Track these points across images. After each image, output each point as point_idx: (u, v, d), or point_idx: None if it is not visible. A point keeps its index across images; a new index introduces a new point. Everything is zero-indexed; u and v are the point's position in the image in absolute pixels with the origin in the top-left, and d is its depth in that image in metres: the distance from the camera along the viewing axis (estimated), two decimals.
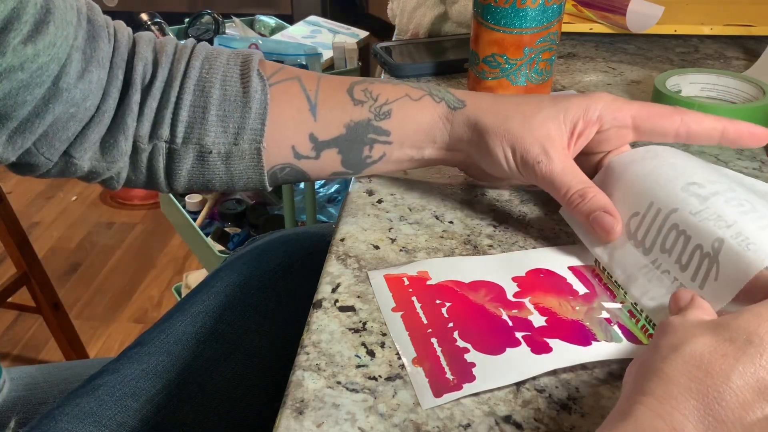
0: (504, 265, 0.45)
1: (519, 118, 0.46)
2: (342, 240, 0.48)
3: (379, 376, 0.37)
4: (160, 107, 0.48)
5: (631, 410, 0.27)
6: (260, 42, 1.51)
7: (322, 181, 1.62)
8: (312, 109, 0.49)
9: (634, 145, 0.49)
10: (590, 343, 0.39)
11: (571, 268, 0.45)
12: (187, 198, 1.69)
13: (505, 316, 0.41)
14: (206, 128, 0.48)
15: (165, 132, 0.48)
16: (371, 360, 0.38)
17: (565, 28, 0.82)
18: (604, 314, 0.41)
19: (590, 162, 0.49)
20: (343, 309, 0.42)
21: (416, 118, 0.49)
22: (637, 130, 0.46)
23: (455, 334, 0.39)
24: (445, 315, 0.41)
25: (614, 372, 0.38)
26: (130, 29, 0.50)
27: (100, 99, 0.46)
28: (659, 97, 0.63)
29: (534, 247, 0.48)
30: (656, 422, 0.26)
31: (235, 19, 1.72)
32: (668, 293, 0.39)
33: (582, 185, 0.45)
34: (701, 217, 0.39)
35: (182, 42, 0.51)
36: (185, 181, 0.50)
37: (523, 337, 0.39)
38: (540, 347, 0.38)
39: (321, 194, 1.63)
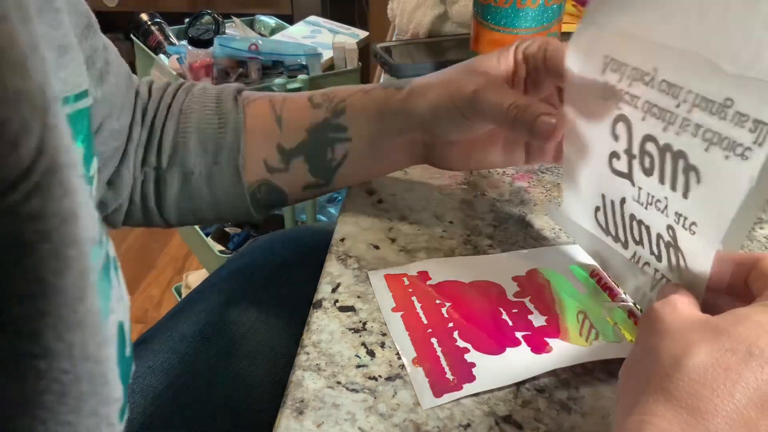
0: (504, 265, 0.45)
1: (459, 68, 0.47)
2: (342, 240, 0.48)
3: (379, 376, 0.37)
4: (149, 137, 0.51)
5: (639, 430, 0.27)
6: (260, 42, 1.51)
7: None
8: (278, 120, 0.51)
9: None
10: (590, 343, 0.39)
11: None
12: None
13: (505, 316, 0.41)
14: (188, 151, 0.51)
15: (152, 159, 0.51)
16: (371, 360, 0.38)
17: (565, 28, 0.81)
18: (605, 314, 0.41)
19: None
20: (343, 309, 0.42)
21: (368, 107, 0.50)
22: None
23: (455, 334, 0.39)
24: (445, 315, 0.41)
25: (614, 372, 0.37)
26: (145, 80, 0.55)
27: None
28: None
29: (534, 247, 0.48)
30: None
31: (235, 19, 1.72)
32: (656, 287, 0.39)
33: (525, 100, 0.43)
34: (643, 201, 0.37)
35: (177, 81, 0.56)
36: (175, 208, 0.52)
37: (523, 336, 0.39)
38: (540, 347, 0.39)
39: None
